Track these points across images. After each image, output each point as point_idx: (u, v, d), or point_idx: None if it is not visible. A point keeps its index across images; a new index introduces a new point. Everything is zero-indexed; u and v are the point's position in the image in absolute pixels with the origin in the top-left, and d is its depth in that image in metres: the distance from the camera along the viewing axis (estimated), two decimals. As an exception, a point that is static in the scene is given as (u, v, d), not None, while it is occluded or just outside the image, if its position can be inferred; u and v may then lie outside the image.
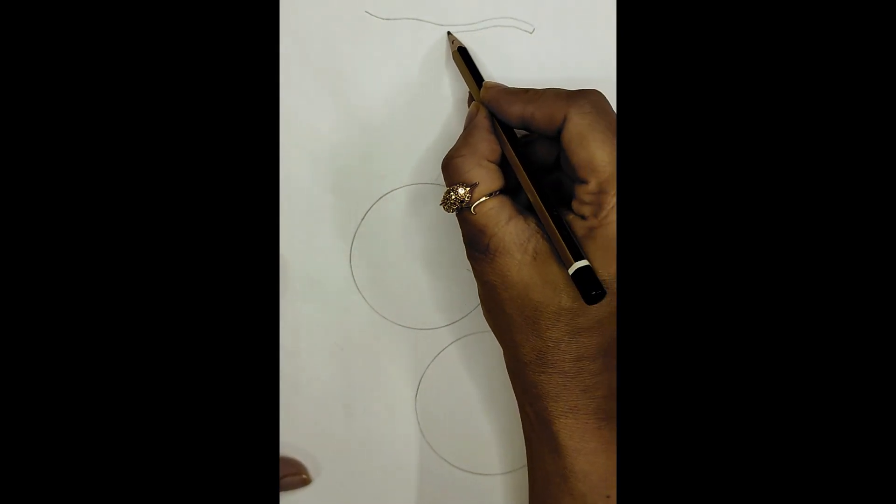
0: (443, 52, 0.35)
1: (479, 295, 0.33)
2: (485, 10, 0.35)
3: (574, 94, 0.30)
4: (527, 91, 0.31)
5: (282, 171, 0.37)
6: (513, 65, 0.35)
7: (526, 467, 0.40)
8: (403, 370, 0.40)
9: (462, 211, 0.31)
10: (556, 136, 0.30)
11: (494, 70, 0.35)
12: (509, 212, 0.30)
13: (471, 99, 0.34)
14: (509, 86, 0.32)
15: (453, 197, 0.30)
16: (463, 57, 0.34)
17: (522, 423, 0.34)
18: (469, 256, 0.32)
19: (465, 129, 0.33)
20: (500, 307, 0.31)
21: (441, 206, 0.31)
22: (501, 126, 0.32)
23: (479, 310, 0.39)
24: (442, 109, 0.36)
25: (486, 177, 0.30)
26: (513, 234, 0.30)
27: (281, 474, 0.40)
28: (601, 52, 0.35)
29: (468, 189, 0.30)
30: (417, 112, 0.36)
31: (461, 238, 0.36)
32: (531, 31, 0.35)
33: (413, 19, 0.35)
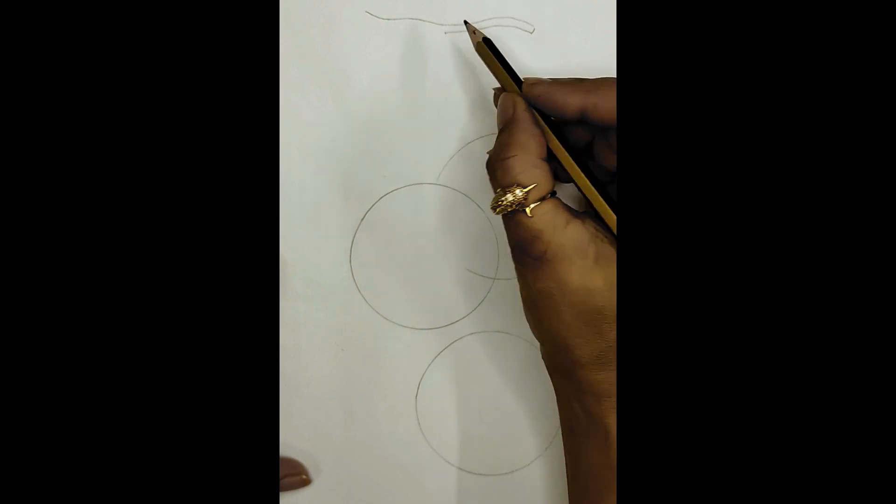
0: (443, 51, 0.35)
1: (525, 300, 0.31)
2: (485, 10, 0.35)
3: None
4: (581, 81, 0.30)
5: (282, 171, 0.37)
6: (513, 65, 0.35)
7: (527, 467, 0.40)
8: (403, 370, 0.39)
9: (513, 215, 0.29)
10: (613, 126, 0.29)
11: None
12: (565, 215, 0.29)
13: (497, 93, 0.32)
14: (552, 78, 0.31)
15: (509, 199, 0.29)
16: (489, 48, 0.32)
17: (561, 418, 0.33)
18: (518, 261, 0.30)
19: (504, 124, 0.31)
20: (555, 313, 0.30)
21: (492, 210, 0.30)
22: (547, 121, 0.30)
23: (480, 309, 0.39)
24: (442, 109, 0.36)
25: (542, 178, 0.29)
26: (573, 238, 0.29)
27: (281, 475, 0.39)
28: (601, 52, 0.35)
29: (525, 191, 0.29)
30: (418, 112, 0.36)
31: (463, 238, 0.36)
32: (531, 31, 0.35)
33: (413, 19, 0.35)
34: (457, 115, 0.36)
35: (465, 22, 0.33)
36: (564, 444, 0.34)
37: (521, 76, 0.32)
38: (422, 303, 0.39)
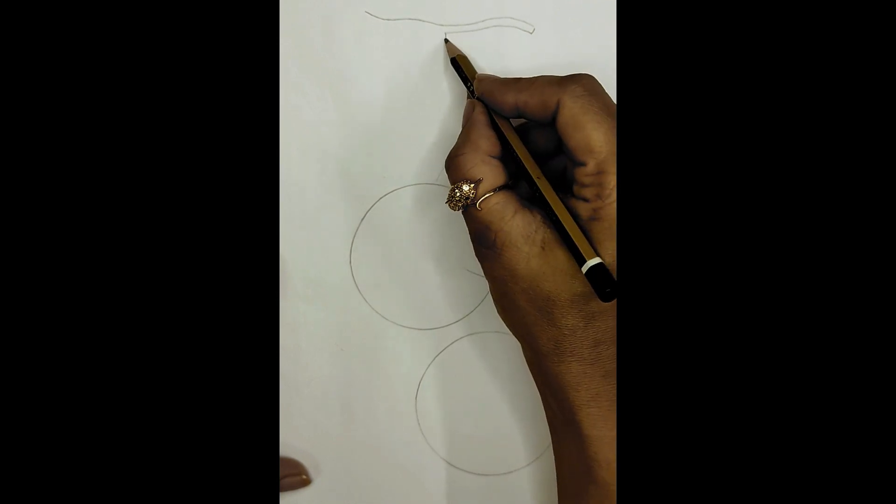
0: (443, 52, 0.35)
1: (491, 292, 0.33)
2: (485, 10, 0.35)
3: (565, 79, 0.30)
4: (518, 80, 0.31)
5: (282, 171, 0.37)
6: (513, 65, 0.35)
7: (526, 467, 0.40)
8: (403, 370, 0.40)
9: (468, 208, 0.31)
10: (550, 123, 0.30)
11: (494, 70, 0.35)
12: (514, 206, 0.30)
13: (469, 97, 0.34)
14: (502, 77, 0.33)
15: (458, 194, 0.30)
16: (455, 67, 0.35)
17: (546, 415, 0.34)
18: (477, 254, 0.32)
19: (463, 126, 0.33)
20: (512, 301, 0.31)
21: (447, 205, 0.31)
22: (501, 119, 0.32)
23: (480, 310, 0.39)
24: (442, 109, 0.36)
25: (489, 173, 0.31)
26: (519, 227, 0.30)
27: (281, 475, 0.39)
28: (601, 52, 0.35)
29: (472, 186, 0.30)
30: (418, 112, 0.36)
31: (463, 238, 0.36)
32: (531, 31, 0.35)
33: (413, 19, 0.35)
34: (457, 116, 0.36)
35: (446, 39, 0.35)
36: (552, 442, 0.34)
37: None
38: (421, 303, 0.39)
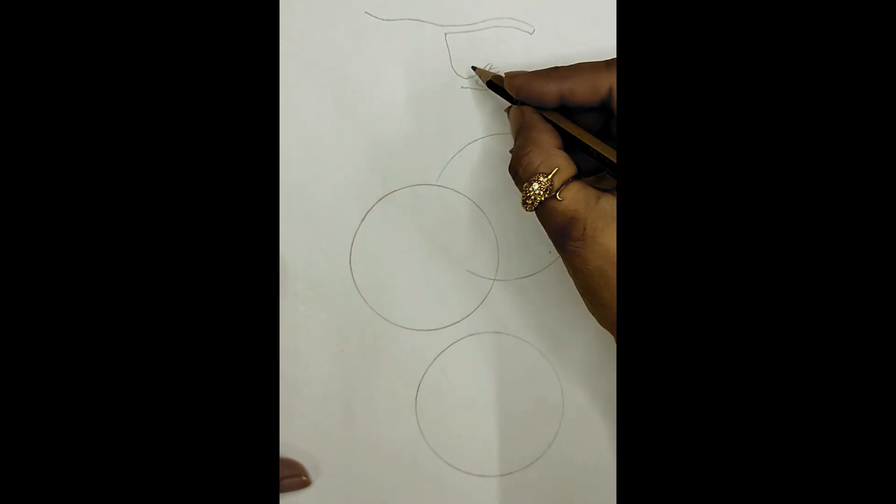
0: (442, 52, 0.35)
1: (583, 289, 0.31)
2: (485, 10, 0.35)
3: (613, 62, 0.30)
4: (557, 69, 0.31)
5: (282, 171, 0.37)
6: (513, 65, 0.35)
7: (524, 469, 0.40)
8: (403, 371, 0.39)
9: (544, 204, 0.30)
10: (598, 108, 0.30)
11: (496, 70, 0.35)
12: (595, 192, 0.30)
13: (509, 111, 0.34)
14: (532, 70, 0.32)
15: (536, 188, 0.30)
16: (493, 89, 0.34)
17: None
18: (562, 251, 0.31)
19: (516, 132, 0.32)
20: (613, 291, 0.30)
21: (524, 207, 0.30)
22: (552, 113, 0.32)
23: (480, 311, 0.39)
24: (442, 110, 0.36)
25: (562, 163, 0.30)
26: (608, 210, 0.29)
27: (281, 476, 0.39)
28: (601, 53, 0.35)
29: (549, 178, 0.30)
30: (418, 112, 0.36)
31: (464, 238, 0.36)
32: (531, 31, 0.35)
33: (413, 20, 0.35)
34: (457, 116, 0.36)
35: (473, 67, 0.35)
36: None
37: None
38: (422, 304, 0.39)
